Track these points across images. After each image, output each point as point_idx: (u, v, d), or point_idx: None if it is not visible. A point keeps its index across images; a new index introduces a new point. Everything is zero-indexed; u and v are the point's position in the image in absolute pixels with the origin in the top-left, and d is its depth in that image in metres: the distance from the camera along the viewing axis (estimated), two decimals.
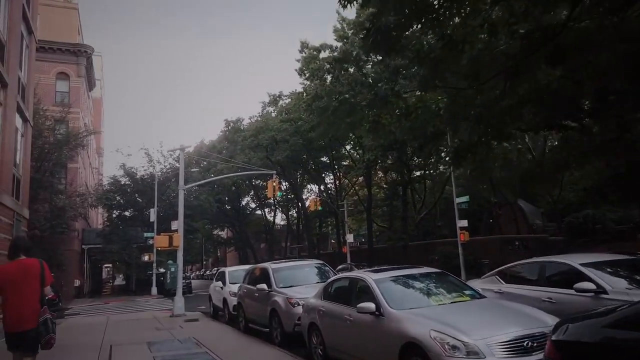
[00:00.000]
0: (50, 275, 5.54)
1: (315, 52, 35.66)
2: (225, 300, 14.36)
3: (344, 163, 50.37)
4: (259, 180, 57.54)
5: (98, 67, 63.91)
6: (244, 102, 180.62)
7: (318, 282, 10.39)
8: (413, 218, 40.78)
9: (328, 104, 34.08)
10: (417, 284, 6.41)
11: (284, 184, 58.52)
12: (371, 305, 5.88)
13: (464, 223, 22.54)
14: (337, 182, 51.51)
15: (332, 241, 69.77)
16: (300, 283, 10.37)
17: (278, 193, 22.58)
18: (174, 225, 18.14)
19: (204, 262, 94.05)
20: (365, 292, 6.32)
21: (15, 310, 5.12)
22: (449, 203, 43.72)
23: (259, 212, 70.28)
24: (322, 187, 50.66)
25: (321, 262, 11.45)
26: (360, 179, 55.91)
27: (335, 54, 33.76)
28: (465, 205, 23.65)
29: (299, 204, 52.75)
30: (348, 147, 48.27)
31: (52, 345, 5.33)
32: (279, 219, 68.16)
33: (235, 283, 14.61)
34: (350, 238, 35.55)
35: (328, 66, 34.55)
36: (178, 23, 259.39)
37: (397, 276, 6.55)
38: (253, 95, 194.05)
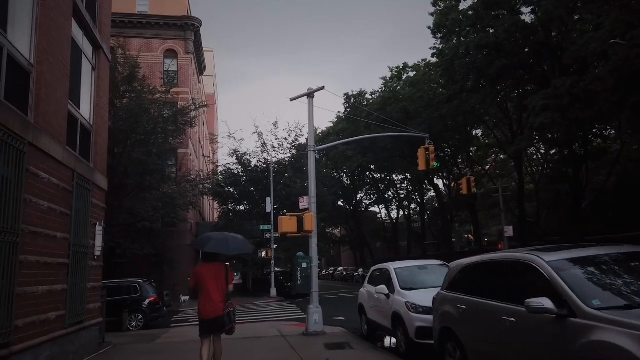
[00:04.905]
0: (232, 276, 6.99)
1: (454, 2, 28.84)
2: (397, 318, 8.57)
3: (473, 149, 42.74)
4: (380, 174, 51.91)
5: (210, 63, 63.24)
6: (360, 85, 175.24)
7: None
8: (573, 208, 31.86)
9: (475, 59, 27.01)
10: None
11: (407, 174, 52.28)
12: None
13: None
14: (471, 168, 43.76)
15: (453, 239, 61.68)
16: None
17: (434, 163, 16.37)
18: (303, 202, 12.84)
19: (318, 262, 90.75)
20: None
21: (209, 302, 6.34)
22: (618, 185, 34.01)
23: (372, 209, 64.82)
24: (454, 174, 43.39)
25: None
26: (488, 168, 47.50)
27: None
28: None
29: (433, 189, 45.92)
30: (478, 132, 41.06)
31: (233, 332, 6.64)
32: (391, 217, 61.39)
33: (411, 289, 8.82)
34: (509, 232, 28.01)
35: (472, 15, 27.58)
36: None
37: None
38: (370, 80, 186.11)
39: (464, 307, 5.93)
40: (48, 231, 7.13)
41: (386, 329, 9.45)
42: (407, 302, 8.27)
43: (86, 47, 9.48)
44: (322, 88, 12.35)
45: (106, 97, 10.59)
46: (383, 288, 9.22)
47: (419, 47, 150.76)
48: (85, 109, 9.47)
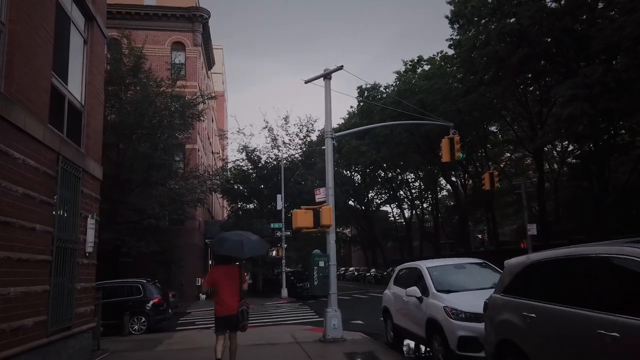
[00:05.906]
0: (244, 277, 7.49)
1: None
2: (433, 325, 7.35)
3: (489, 146, 41.19)
4: (392, 172, 50.54)
5: (219, 60, 62.43)
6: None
7: None
8: (596, 206, 30.26)
9: (496, 48, 25.61)
10: None
11: (419, 172, 50.85)
12: None
13: None
14: (488, 165, 42.23)
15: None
16: None
17: (460, 154, 15.09)
18: (319, 194, 11.65)
19: None
20: None
21: (225, 300, 6.84)
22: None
23: (383, 208, 63.37)
24: (469, 172, 41.94)
25: None
26: (503, 165, 45.86)
27: None
28: None
29: (450, 186, 44.49)
30: (493, 129, 39.53)
31: (245, 330, 7.15)
32: (403, 216, 59.88)
33: (449, 291, 7.57)
34: (532, 230, 26.58)
35: (492, 1, 26.22)
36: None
37: None
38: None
39: (532, 315, 4.70)
40: (23, 222, 6.02)
41: (418, 336, 8.23)
42: (446, 306, 7.04)
43: (76, 16, 8.39)
44: (341, 67, 11.14)
45: (101, 76, 9.49)
46: (415, 290, 7.99)
47: (420, 46, 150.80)
48: (76, 87, 8.38)
